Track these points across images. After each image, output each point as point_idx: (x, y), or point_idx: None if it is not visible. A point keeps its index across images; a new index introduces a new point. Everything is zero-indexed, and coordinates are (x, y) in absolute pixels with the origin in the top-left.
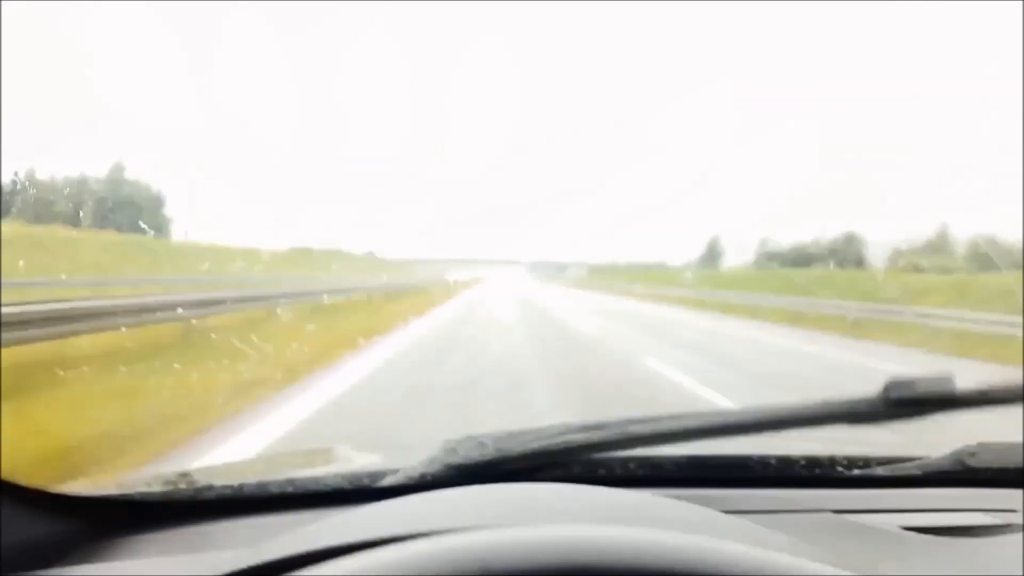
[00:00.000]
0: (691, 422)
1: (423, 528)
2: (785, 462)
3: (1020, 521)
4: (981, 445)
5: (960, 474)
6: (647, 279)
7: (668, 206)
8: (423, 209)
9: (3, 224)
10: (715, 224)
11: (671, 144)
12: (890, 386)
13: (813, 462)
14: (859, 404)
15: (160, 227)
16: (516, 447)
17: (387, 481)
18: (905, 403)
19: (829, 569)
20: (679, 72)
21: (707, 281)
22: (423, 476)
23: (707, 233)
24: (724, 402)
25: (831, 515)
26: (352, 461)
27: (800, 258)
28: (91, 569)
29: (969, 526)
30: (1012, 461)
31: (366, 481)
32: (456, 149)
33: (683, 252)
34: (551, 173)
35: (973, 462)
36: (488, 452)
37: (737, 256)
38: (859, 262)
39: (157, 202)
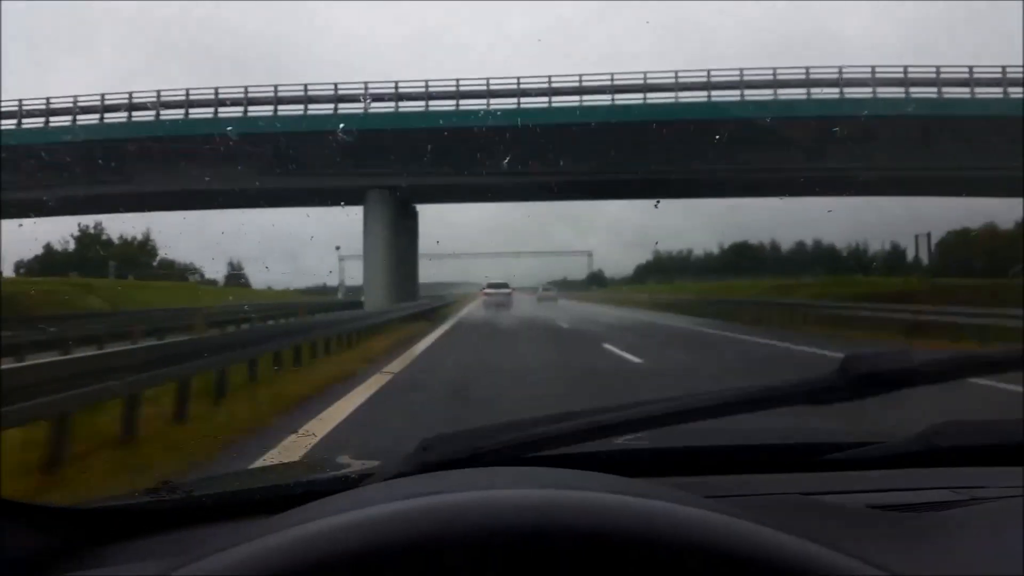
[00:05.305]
0: (655, 409)
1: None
2: (753, 450)
3: (990, 495)
4: (948, 424)
5: (927, 454)
6: None
7: None
8: None
9: None
10: None
11: None
12: (848, 363)
13: (780, 448)
14: (818, 383)
15: None
16: (488, 443)
17: (367, 481)
18: (864, 381)
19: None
20: None
21: None
22: (400, 474)
23: None
24: None
25: (798, 497)
26: (346, 466)
27: None
28: None
29: (936, 502)
30: (980, 439)
31: (349, 481)
32: None
33: None
34: None
35: (940, 441)
36: (461, 448)
37: None
38: None
39: None
